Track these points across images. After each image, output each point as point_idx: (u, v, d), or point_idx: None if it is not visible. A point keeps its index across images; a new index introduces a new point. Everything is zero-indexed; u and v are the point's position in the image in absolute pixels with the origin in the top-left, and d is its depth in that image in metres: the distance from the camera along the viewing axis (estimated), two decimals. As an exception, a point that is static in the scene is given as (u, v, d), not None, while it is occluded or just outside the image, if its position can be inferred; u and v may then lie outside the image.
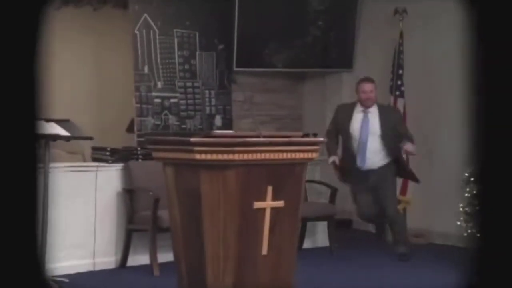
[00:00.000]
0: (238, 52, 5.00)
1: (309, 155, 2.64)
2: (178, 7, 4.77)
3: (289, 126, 5.35)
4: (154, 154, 2.67)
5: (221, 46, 5.01)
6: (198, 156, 2.41)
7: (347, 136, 3.96)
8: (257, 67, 5.17)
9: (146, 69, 4.62)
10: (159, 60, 4.70)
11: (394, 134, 3.93)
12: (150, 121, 4.62)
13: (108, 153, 3.94)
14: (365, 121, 3.92)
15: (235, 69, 5.06)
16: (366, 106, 3.94)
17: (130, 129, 5.10)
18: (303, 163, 2.65)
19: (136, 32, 4.59)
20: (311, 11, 5.12)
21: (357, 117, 3.95)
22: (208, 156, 2.42)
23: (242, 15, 4.89)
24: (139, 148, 4.12)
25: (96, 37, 5.75)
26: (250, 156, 2.48)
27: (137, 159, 4.03)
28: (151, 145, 2.75)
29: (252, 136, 2.61)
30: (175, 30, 4.77)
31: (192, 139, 2.45)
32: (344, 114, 4.00)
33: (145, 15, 4.62)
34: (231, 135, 2.66)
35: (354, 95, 4.13)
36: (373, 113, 3.94)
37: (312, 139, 3.12)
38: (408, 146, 3.87)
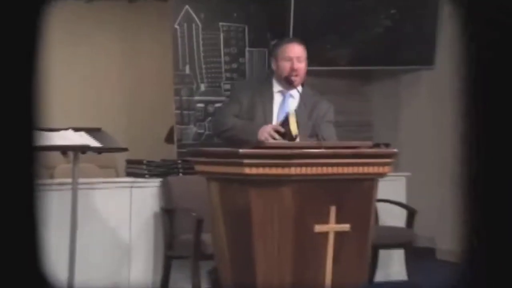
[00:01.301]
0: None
1: (380, 169, 2.61)
2: (224, -2, 4.85)
3: (356, 135, 5.29)
4: (197, 168, 2.71)
5: (274, 42, 5.04)
6: (248, 170, 2.43)
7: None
8: (316, 66, 5.11)
9: (187, 69, 4.71)
10: (202, 58, 4.77)
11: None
12: (192, 129, 4.70)
13: (144, 167, 4.03)
14: (282, 108, 3.04)
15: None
16: (288, 84, 3.02)
17: (169, 139, 5.20)
18: (373, 178, 2.62)
19: (176, 26, 4.69)
20: (382, -3, 5.09)
21: (274, 99, 3.04)
22: (260, 170, 2.43)
23: (298, 5, 4.90)
24: (179, 161, 4.18)
25: (130, 33, 5.93)
26: (309, 170, 2.48)
27: (177, 173, 4.10)
28: (193, 158, 2.78)
29: (311, 146, 2.60)
30: (220, 23, 4.84)
31: (241, 150, 2.47)
32: (252, 92, 3.08)
33: (187, 7, 4.72)
34: (287, 146, 2.66)
35: (436, 96, 4.00)
36: (295, 98, 3.06)
37: (383, 150, 3.09)
38: None
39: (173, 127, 4.84)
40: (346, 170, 2.54)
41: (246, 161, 2.43)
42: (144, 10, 5.71)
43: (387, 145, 4.34)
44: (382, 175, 2.63)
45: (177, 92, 4.69)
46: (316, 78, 5.35)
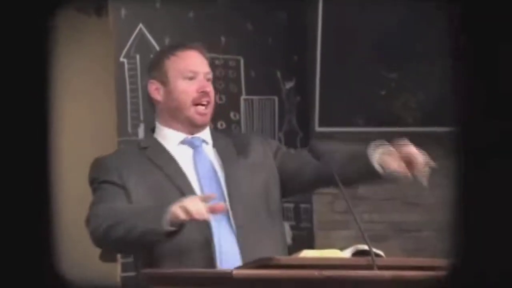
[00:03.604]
0: (322, 97, 5.13)
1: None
2: (203, 12, 4.94)
3: (433, 245, 5.30)
4: (160, 305, 2.75)
5: (289, 85, 5.14)
6: (247, 308, 2.49)
7: None
8: (362, 126, 5.22)
9: (141, 133, 4.77)
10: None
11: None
12: (149, 236, 4.72)
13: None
14: (203, 166, 3.11)
15: (317, 129, 5.18)
16: (193, 125, 3.12)
17: (107, 254, 5.21)
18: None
19: (123, 60, 4.78)
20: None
21: (181, 158, 3.09)
22: (269, 308, 2.49)
23: (329, 25, 5.03)
24: (126, 292, 4.22)
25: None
26: (353, 309, 2.54)
27: (122, 313, 4.11)
28: (151, 285, 2.82)
29: (355, 265, 2.66)
30: (198, 54, 4.96)
31: (236, 272, 2.52)
32: (130, 167, 3.08)
33: (141, 26, 4.81)
34: (312, 264, 2.69)
35: None
36: (209, 144, 3.18)
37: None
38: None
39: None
40: (417, 306, 2.60)
41: (243, 291, 2.50)
42: (67, 32, 5.83)
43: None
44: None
45: (123, 172, 4.74)
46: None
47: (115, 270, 4.69)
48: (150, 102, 3.17)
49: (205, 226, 2.95)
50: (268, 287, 2.52)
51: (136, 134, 4.75)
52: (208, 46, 4.85)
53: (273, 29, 5.09)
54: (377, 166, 2.94)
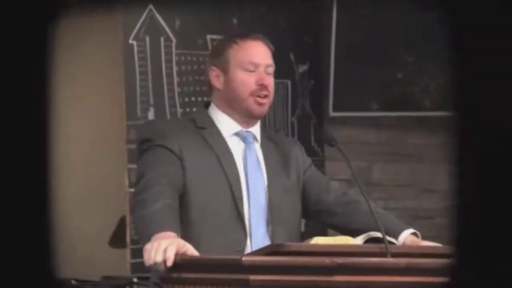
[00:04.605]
0: (336, 80, 5.15)
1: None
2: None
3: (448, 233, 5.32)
4: (170, 291, 2.76)
5: (303, 68, 5.15)
6: (258, 294, 2.49)
7: (206, 204, 3.08)
8: (377, 110, 5.23)
9: (150, 116, 4.78)
10: (177, 97, 4.86)
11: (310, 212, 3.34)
12: (158, 222, 4.73)
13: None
14: (251, 160, 3.18)
15: (331, 113, 5.19)
16: (251, 116, 3.17)
17: (117, 239, 5.22)
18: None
19: (132, 42, 4.80)
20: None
21: (234, 150, 3.15)
22: (279, 294, 2.49)
23: (344, 7, 5.07)
24: (135, 279, 4.25)
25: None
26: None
27: (131, 301, 4.13)
28: (162, 272, 2.80)
29: (368, 253, 2.70)
30: (209, 36, 4.96)
31: (246, 259, 2.55)
32: (187, 140, 3.12)
33: (151, 7, 4.81)
34: (323, 251, 2.72)
35: None
36: (258, 141, 3.23)
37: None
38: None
39: (124, 219, 4.86)
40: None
41: (254, 277, 2.50)
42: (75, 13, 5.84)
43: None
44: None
45: (132, 157, 4.74)
46: (381, 132, 5.32)
47: (125, 256, 4.71)
48: (209, 86, 3.23)
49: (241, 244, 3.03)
50: (278, 274, 2.53)
51: (146, 118, 4.74)
52: (220, 28, 4.92)
53: (287, 11, 5.09)
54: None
